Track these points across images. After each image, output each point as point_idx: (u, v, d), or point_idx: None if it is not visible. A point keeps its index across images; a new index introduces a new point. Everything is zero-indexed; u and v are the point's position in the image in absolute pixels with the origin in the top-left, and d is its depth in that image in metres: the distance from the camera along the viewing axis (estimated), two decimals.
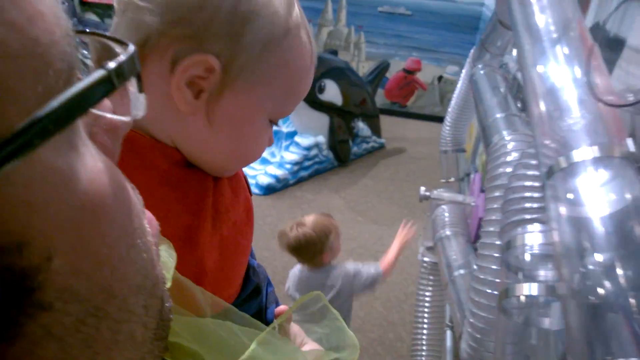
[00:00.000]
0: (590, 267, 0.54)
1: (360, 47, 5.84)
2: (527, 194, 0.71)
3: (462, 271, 1.29)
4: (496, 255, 0.81)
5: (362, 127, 4.48)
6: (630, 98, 0.51)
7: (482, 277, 0.83)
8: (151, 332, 0.25)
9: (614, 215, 0.54)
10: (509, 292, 0.68)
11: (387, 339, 2.31)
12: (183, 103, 0.51)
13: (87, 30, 0.24)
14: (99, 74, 0.19)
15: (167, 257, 0.41)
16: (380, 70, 4.97)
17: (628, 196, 0.55)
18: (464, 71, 1.95)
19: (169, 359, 0.41)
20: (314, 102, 3.90)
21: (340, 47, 5.78)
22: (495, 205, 0.90)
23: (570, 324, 0.55)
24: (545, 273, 0.68)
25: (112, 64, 0.19)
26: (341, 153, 4.22)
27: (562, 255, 0.57)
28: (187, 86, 0.51)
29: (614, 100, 0.53)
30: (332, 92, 4.04)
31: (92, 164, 0.20)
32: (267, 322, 0.67)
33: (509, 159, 0.91)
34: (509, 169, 0.89)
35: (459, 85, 1.98)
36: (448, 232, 1.50)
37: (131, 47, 0.22)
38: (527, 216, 0.70)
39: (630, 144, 0.55)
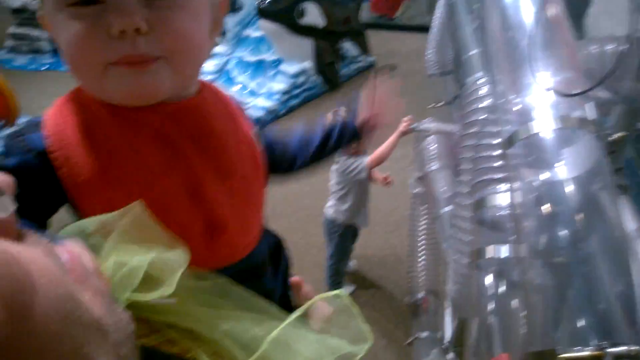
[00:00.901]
0: (557, 229, 0.55)
1: None
2: (495, 153, 0.70)
3: (448, 208, 1.30)
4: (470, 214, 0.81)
5: (349, 47, 4.36)
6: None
7: (459, 235, 0.84)
8: None
9: (578, 179, 0.54)
10: (481, 254, 0.69)
11: (387, 262, 2.39)
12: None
13: None
14: None
15: (173, 262, 0.43)
16: None
17: (588, 161, 0.54)
18: None
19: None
20: (295, 27, 3.76)
21: None
22: (469, 154, 0.89)
23: (534, 285, 0.56)
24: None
25: None
26: (330, 77, 4.14)
27: (525, 217, 0.57)
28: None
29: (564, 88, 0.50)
30: (313, 15, 3.89)
31: None
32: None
33: (481, 105, 0.88)
34: (482, 116, 0.87)
35: (438, 7, 1.89)
36: (435, 166, 1.50)
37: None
38: (496, 175, 0.69)
39: (589, 110, 0.53)
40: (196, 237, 0.58)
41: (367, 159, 1.99)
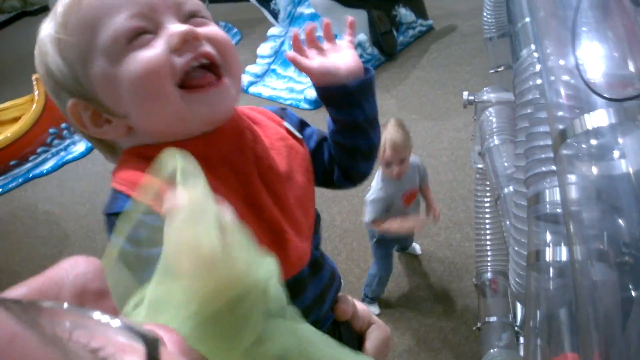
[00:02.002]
0: (619, 225, 0.47)
1: None
2: (550, 142, 0.62)
3: (511, 188, 1.20)
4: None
5: (404, 13, 4.18)
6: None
7: (518, 224, 0.76)
8: None
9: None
10: (539, 256, 0.61)
11: (454, 239, 2.30)
12: (115, 134, 0.57)
13: None
14: None
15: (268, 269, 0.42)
16: None
17: None
18: None
19: None
20: None
21: None
22: (525, 124, 0.81)
23: (596, 285, 0.49)
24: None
25: None
26: (386, 46, 4.00)
27: (584, 214, 0.50)
28: (99, 126, 0.57)
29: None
30: None
31: None
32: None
33: (538, 81, 0.79)
34: (538, 95, 0.78)
35: None
36: (496, 141, 1.40)
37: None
38: (551, 167, 0.62)
39: None
40: (267, 248, 0.57)
41: (376, 226, 1.80)
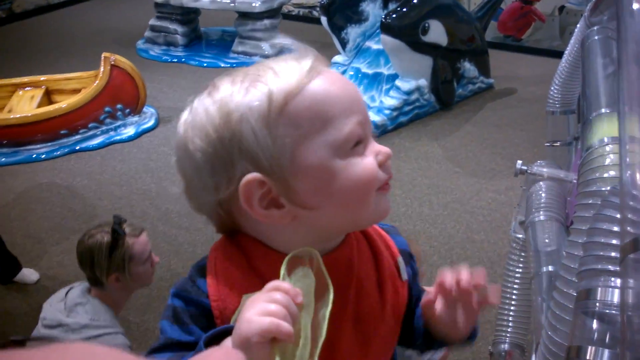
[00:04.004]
0: None
1: None
2: (614, 241, 0.62)
3: (550, 267, 1.19)
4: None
5: (468, 67, 4.20)
6: None
7: (558, 310, 0.76)
8: None
9: None
10: (580, 353, 0.61)
11: None
12: (278, 219, 0.57)
13: None
14: None
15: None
16: (492, 3, 4.54)
17: None
18: (578, 25, 1.72)
19: None
20: (417, 44, 3.69)
21: None
22: (585, 214, 0.81)
23: None
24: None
25: None
26: (444, 95, 4.02)
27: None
28: (266, 208, 0.56)
29: None
30: (436, 32, 3.80)
31: None
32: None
33: (605, 175, 0.79)
34: (604, 188, 0.78)
35: (572, 40, 1.75)
36: (542, 217, 1.39)
37: None
38: (611, 267, 0.62)
39: None
40: None
41: None
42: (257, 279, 0.57)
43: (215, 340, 0.52)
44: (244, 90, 0.56)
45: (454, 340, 0.70)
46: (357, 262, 0.64)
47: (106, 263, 1.56)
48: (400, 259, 0.69)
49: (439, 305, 0.66)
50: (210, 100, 0.58)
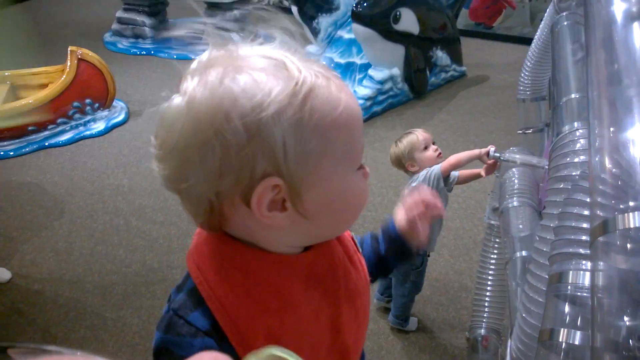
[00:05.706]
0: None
1: None
2: (584, 225, 0.62)
3: (524, 252, 1.21)
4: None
5: (440, 55, 4.23)
6: None
7: (531, 292, 0.77)
8: None
9: None
10: (552, 335, 0.62)
11: (451, 288, 2.29)
12: (278, 222, 0.54)
13: None
14: None
15: None
16: None
17: None
18: (547, 11, 1.73)
19: None
20: (389, 32, 3.69)
21: None
22: (557, 199, 0.82)
23: None
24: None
25: None
26: (417, 84, 4.03)
27: (606, 303, 0.50)
28: (269, 210, 0.53)
29: None
30: (408, 21, 3.80)
31: None
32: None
33: (575, 160, 0.80)
34: (574, 172, 0.79)
35: (541, 26, 1.77)
36: (515, 203, 1.40)
37: None
38: (581, 250, 0.62)
39: None
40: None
41: (440, 165, 1.87)
42: (258, 285, 0.57)
43: None
44: (280, 86, 0.50)
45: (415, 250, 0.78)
46: (333, 244, 0.66)
47: None
48: (353, 234, 0.73)
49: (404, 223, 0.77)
50: (236, 83, 0.50)
